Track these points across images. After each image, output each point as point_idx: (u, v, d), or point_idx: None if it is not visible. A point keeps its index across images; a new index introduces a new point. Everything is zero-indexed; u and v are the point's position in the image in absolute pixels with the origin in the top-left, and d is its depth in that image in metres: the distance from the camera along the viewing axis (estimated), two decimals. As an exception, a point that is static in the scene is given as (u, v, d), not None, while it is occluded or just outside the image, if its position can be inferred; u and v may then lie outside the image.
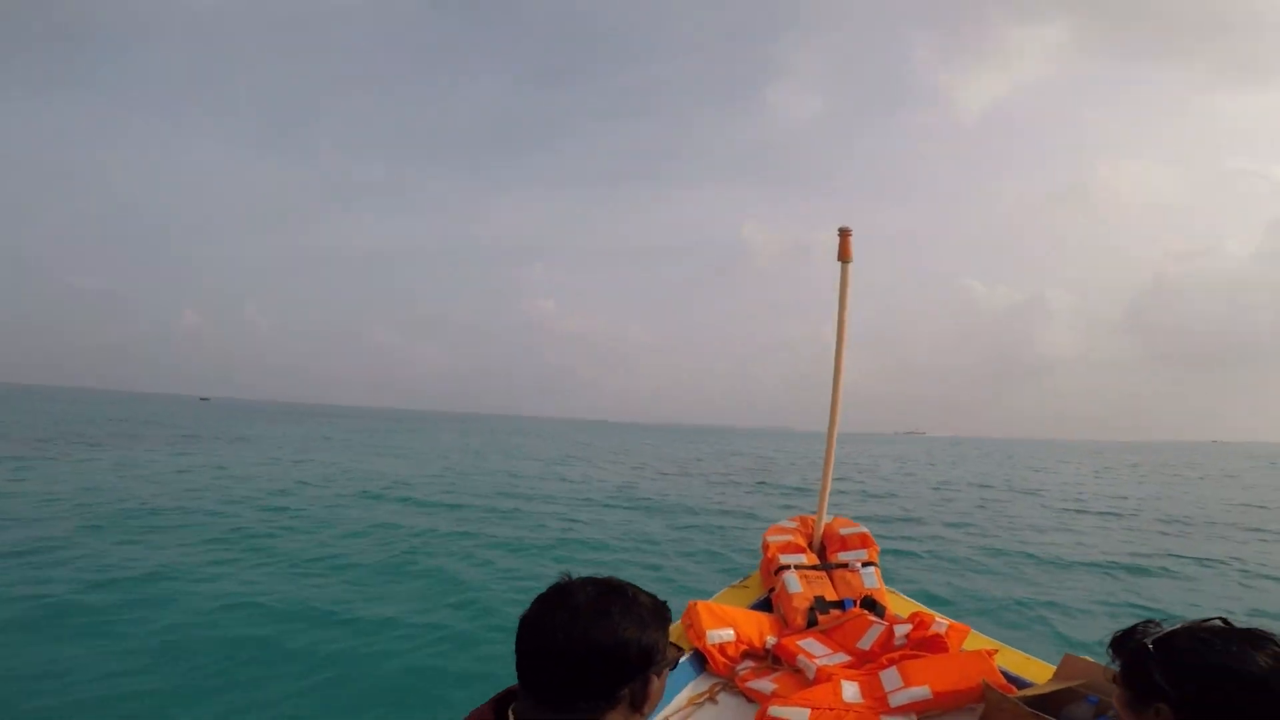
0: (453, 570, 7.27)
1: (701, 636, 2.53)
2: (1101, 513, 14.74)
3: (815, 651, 2.44)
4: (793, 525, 3.42)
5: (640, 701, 1.08)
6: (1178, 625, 1.29)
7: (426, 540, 8.93)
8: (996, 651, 2.30)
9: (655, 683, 1.10)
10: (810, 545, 3.24)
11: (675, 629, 2.69)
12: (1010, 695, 1.89)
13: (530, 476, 17.90)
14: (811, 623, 2.69)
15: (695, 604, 2.68)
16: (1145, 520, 13.72)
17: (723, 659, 2.47)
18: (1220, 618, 1.29)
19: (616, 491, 15.52)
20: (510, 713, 1.07)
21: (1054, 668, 2.13)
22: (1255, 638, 1.22)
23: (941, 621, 2.53)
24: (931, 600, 5.04)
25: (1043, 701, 1.87)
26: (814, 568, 3.08)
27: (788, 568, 3.05)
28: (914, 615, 2.62)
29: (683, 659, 2.45)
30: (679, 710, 2.22)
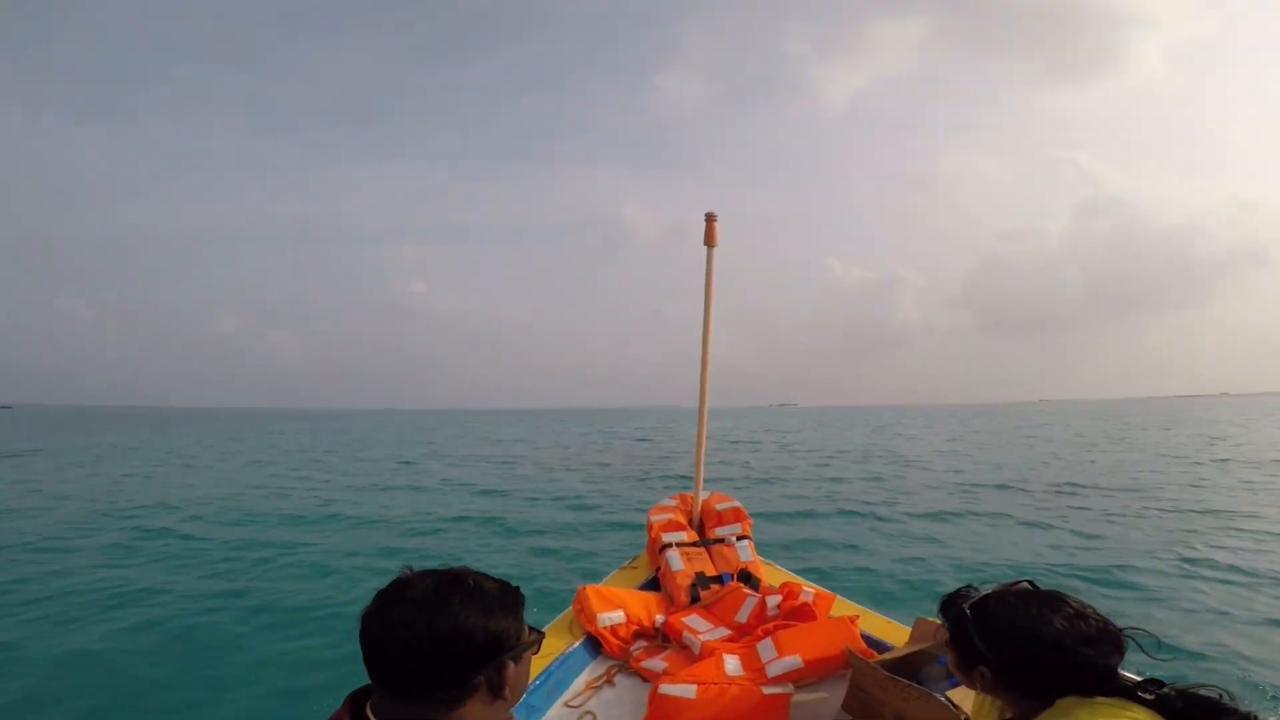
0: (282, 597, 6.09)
1: (592, 620, 2.61)
2: (978, 484, 14.30)
3: (699, 627, 2.61)
4: (673, 503, 3.59)
5: (499, 687, 1.10)
6: (990, 589, 1.38)
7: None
8: (858, 617, 2.55)
9: (513, 668, 1.12)
10: (690, 522, 3.43)
11: (566, 615, 2.76)
12: (870, 660, 2.08)
13: (363, 486, 14.80)
14: (695, 599, 2.85)
15: (584, 588, 2.76)
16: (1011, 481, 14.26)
17: (615, 641, 2.57)
18: (1028, 580, 1.38)
19: (492, 487, 14.55)
20: (368, 709, 1.07)
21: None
22: (1054, 600, 1.30)
23: (808, 590, 2.77)
24: (807, 569, 5.49)
25: (901, 664, 2.07)
26: (694, 544, 3.26)
27: (670, 546, 3.20)
28: (784, 585, 2.85)
29: (577, 644, 2.53)
30: (578, 695, 2.30)
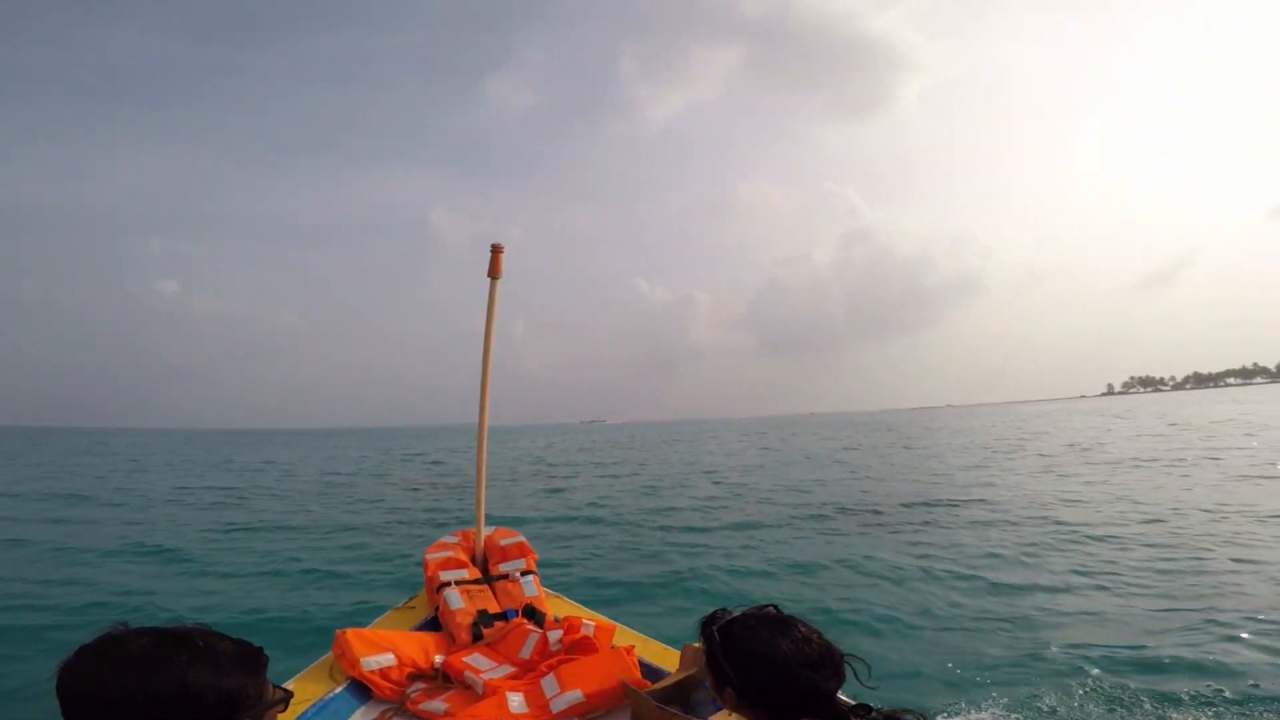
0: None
1: (355, 665, 2.40)
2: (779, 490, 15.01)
3: (481, 666, 2.53)
4: (454, 540, 3.45)
5: None
6: (738, 612, 1.46)
7: None
8: (634, 647, 2.63)
9: None
10: (473, 559, 3.33)
11: (324, 661, 2.51)
12: (643, 691, 2.14)
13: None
14: (477, 637, 2.76)
15: (342, 633, 2.53)
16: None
17: (387, 684, 2.39)
18: (773, 605, 1.46)
19: (233, 522, 12.17)
20: None
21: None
22: (785, 624, 1.39)
23: (589, 622, 2.83)
24: (598, 600, 5.49)
25: (675, 691, 2.18)
26: (475, 582, 3.17)
27: (449, 584, 3.08)
28: (566, 619, 2.89)
29: (339, 689, 2.33)
30: None
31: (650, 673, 2.52)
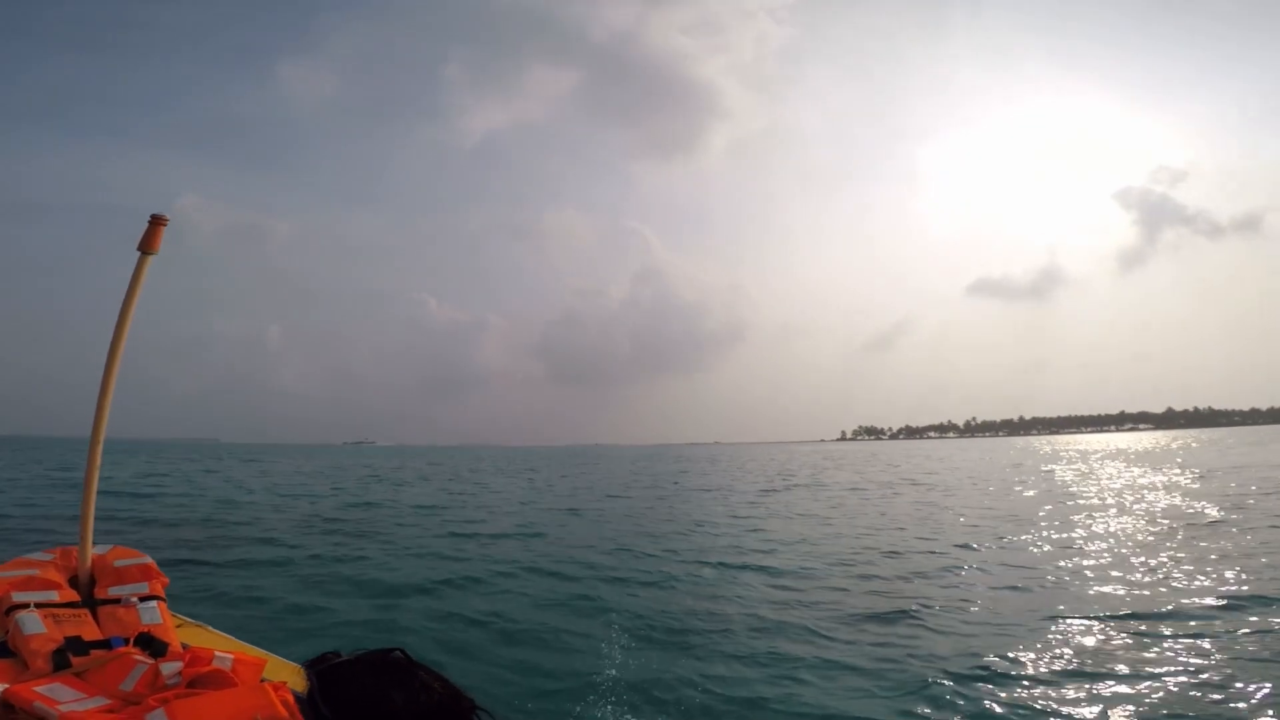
0: None
1: None
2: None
3: (61, 697, 1.98)
4: (45, 558, 2.73)
5: None
6: (356, 654, 1.33)
7: None
8: (285, 683, 2.33)
9: None
10: (73, 581, 2.64)
11: None
12: None
13: None
14: (61, 665, 2.18)
15: None
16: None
17: None
18: (400, 649, 1.32)
19: None
20: None
21: None
22: (404, 672, 1.26)
23: (225, 655, 2.43)
24: (248, 627, 4.57)
25: None
26: (69, 605, 2.52)
27: (26, 606, 2.41)
28: (193, 650, 2.43)
29: None
30: None
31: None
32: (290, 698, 2.24)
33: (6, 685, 2.00)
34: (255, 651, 2.54)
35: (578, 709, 4.70)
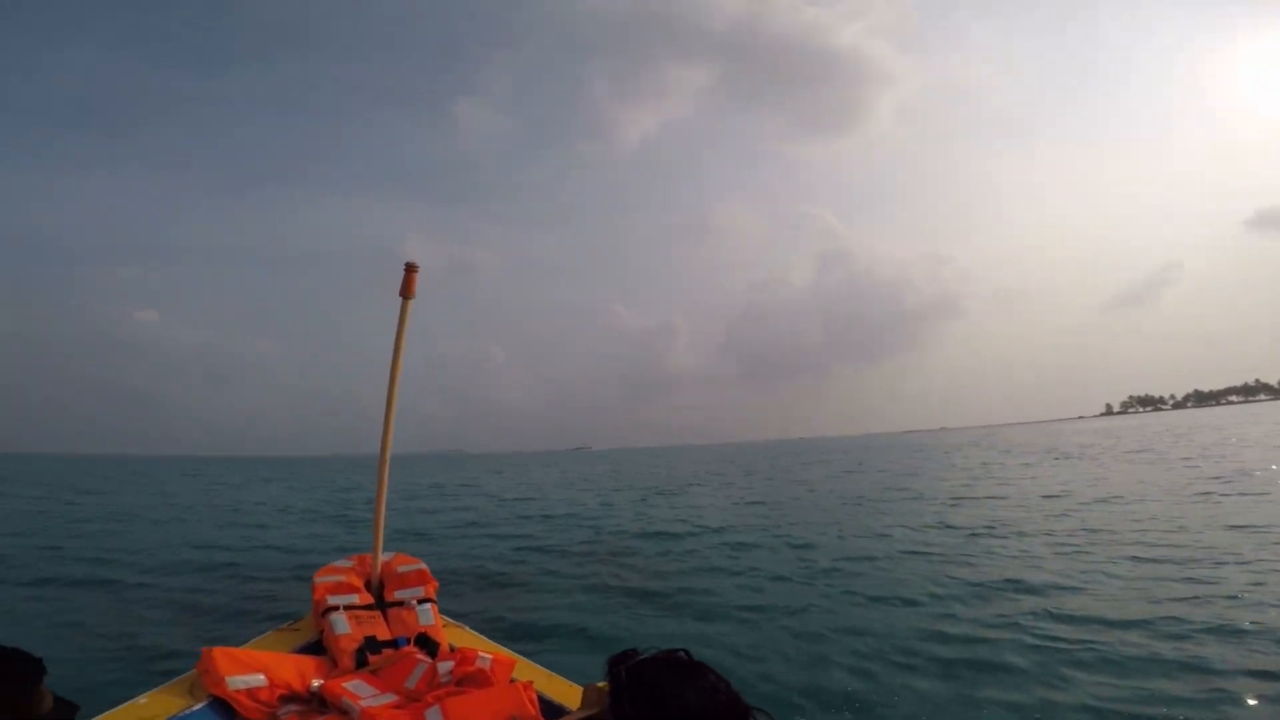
0: None
1: (219, 683, 2.20)
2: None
3: (361, 693, 2.31)
4: (348, 565, 3.23)
5: None
6: (649, 654, 1.38)
7: None
8: (533, 682, 2.49)
9: None
10: (368, 585, 3.10)
11: (186, 678, 2.31)
12: None
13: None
14: (361, 663, 2.55)
15: (209, 650, 2.33)
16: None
17: (253, 704, 2.17)
18: (683, 649, 1.38)
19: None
20: None
21: None
22: (695, 671, 1.31)
23: (486, 655, 2.65)
24: (505, 632, 5.05)
25: None
26: (366, 607, 2.95)
27: (336, 609, 2.87)
28: (460, 650, 2.69)
29: (199, 706, 2.14)
30: None
31: (551, 710, 2.37)
32: (535, 697, 2.39)
33: (321, 681, 2.37)
34: (505, 652, 2.75)
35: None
